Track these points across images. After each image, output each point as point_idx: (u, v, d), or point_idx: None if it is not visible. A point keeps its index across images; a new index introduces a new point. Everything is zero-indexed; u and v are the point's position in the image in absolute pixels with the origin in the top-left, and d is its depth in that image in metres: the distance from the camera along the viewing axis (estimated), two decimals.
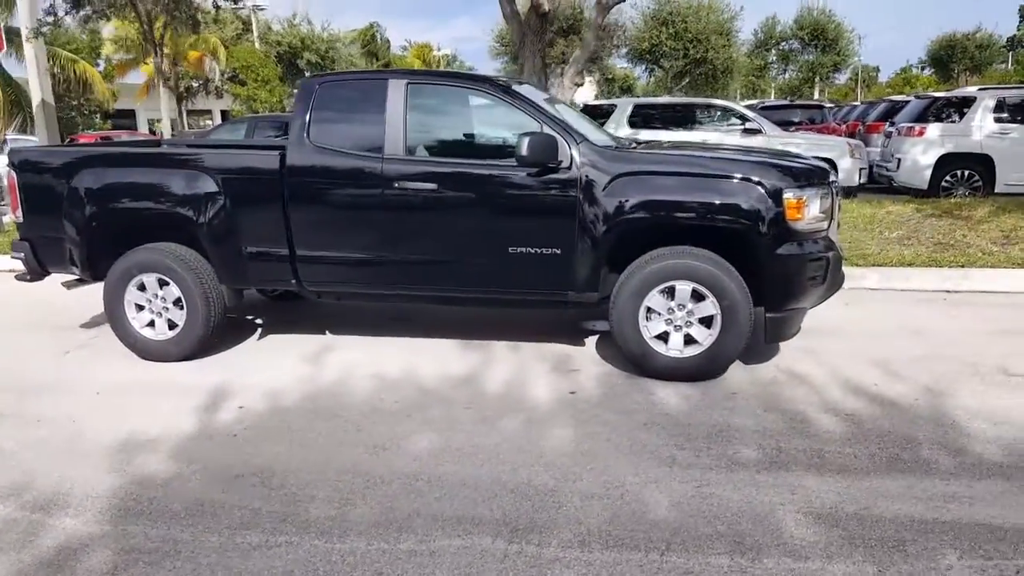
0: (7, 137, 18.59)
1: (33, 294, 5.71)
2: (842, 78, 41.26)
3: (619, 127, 11.79)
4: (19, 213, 4.90)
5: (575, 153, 4.16)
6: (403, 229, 4.41)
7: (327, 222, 4.51)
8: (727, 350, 4.10)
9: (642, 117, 11.91)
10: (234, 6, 22.84)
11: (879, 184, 12.38)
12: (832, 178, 4.26)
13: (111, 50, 27.91)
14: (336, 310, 5.86)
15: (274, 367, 4.62)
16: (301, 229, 4.52)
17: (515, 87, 4.56)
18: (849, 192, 10.83)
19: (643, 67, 29.04)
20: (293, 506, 2.99)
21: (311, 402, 4.07)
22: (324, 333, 5.31)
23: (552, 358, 4.64)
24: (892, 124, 12.34)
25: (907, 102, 13.37)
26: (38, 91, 15.75)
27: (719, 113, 12.00)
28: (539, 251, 4.26)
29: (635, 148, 4.65)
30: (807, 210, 4.02)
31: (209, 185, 4.55)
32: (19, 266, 5.11)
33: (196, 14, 16.24)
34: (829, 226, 4.22)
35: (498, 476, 3.17)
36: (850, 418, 3.68)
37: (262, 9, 36.18)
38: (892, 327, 5.13)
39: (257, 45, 33.56)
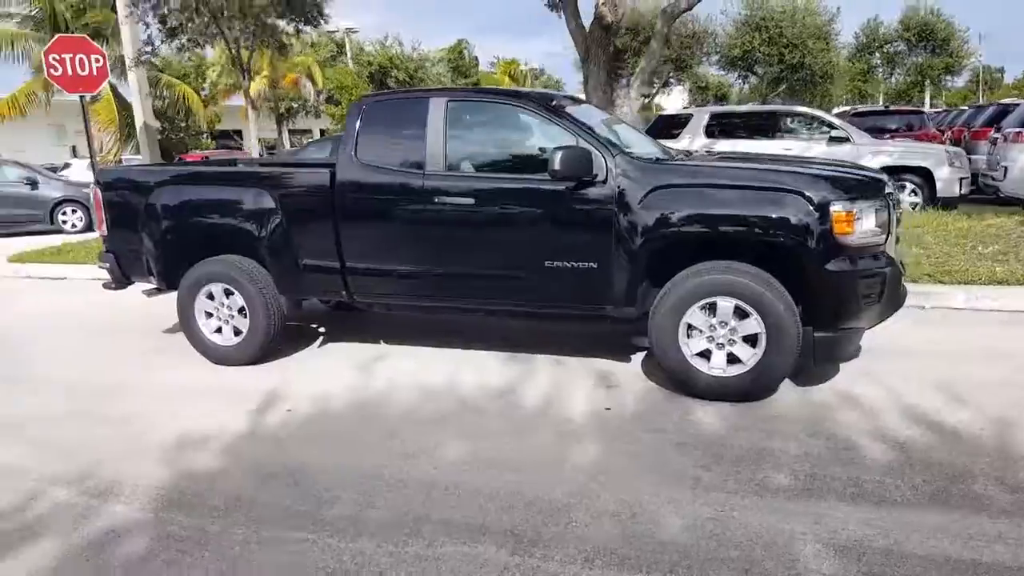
0: (122, 158, 20.16)
1: (119, 302, 6.17)
2: (959, 81, 38.85)
3: (695, 137, 11.57)
4: (104, 228, 5.30)
5: (611, 166, 4.12)
6: (444, 243, 4.50)
7: (373, 236, 4.66)
8: (773, 370, 3.95)
9: (720, 126, 11.63)
10: (326, 30, 23.83)
11: (985, 195, 11.57)
12: (889, 190, 4.04)
13: (215, 75, 29.65)
14: (392, 320, 6.01)
15: (326, 373, 4.80)
16: (350, 242, 4.68)
17: (558, 103, 4.58)
18: (949, 203, 10.19)
19: (736, 74, 28.41)
20: (316, 505, 3.11)
21: (354, 408, 4.21)
22: (379, 342, 5.47)
23: (594, 373, 4.59)
24: (998, 130, 11.51)
25: (1016, 105, 12.45)
26: (140, 114, 16.94)
27: (803, 121, 11.56)
28: (575, 265, 4.24)
29: (677, 160, 4.56)
30: (858, 224, 3.82)
31: (267, 201, 4.79)
32: (106, 276, 5.53)
33: (281, 38, 17.11)
34: (887, 241, 4.00)
35: (516, 488, 3.18)
36: (900, 446, 3.46)
37: (355, 32, 37.80)
38: (971, 350, 4.77)
39: (351, 66, 35.00)
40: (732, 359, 4.03)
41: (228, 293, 4.99)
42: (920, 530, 2.76)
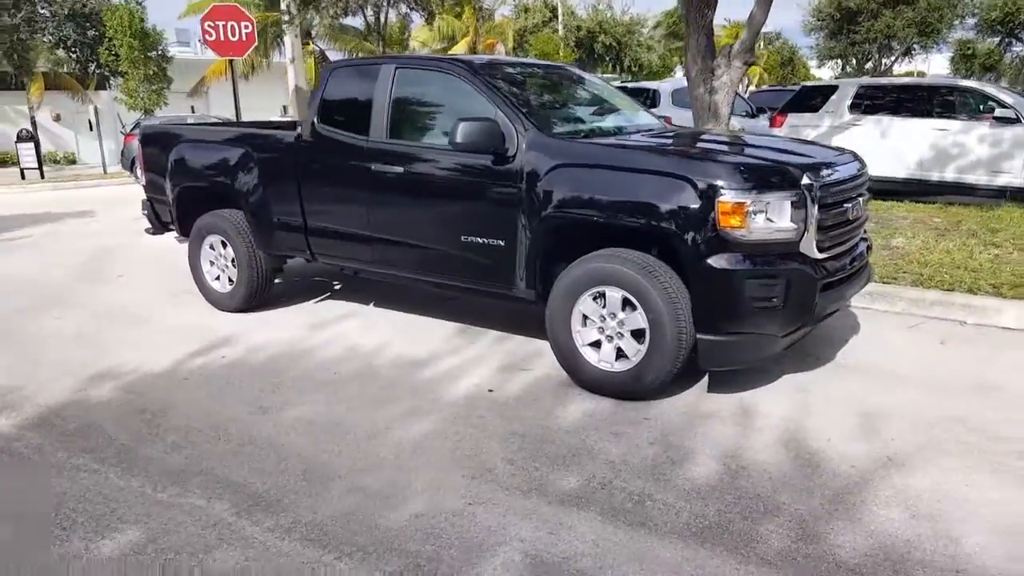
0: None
1: (157, 246, 6.97)
2: None
3: (838, 112, 10.45)
4: (144, 178, 6.04)
5: (520, 141, 3.95)
6: (380, 210, 4.59)
7: (327, 198, 4.87)
8: (653, 370, 3.62)
9: (869, 101, 10.34)
10: None
11: None
12: (808, 181, 3.47)
13: (426, 38, 31.26)
14: (392, 286, 6.22)
15: (287, 327, 5.14)
16: (310, 203, 4.93)
17: (495, 71, 4.43)
18: None
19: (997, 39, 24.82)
20: (139, 443, 3.43)
21: (270, 362, 4.50)
22: (369, 304, 5.71)
23: (523, 355, 4.47)
24: None
25: None
26: (292, 77, 18.16)
27: (967, 98, 9.93)
28: (486, 241, 4.15)
29: (590, 138, 4.22)
30: (753, 218, 3.36)
31: (249, 160, 5.17)
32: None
33: (430, 5, 17.53)
34: (802, 238, 3.47)
35: (311, 455, 3.27)
36: (735, 472, 3.06)
37: None
38: (965, 380, 3.97)
39: (561, 31, 35.19)
40: (622, 354, 3.75)
41: (224, 245, 5.49)
42: (639, 560, 2.47)
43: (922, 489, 2.88)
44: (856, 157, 4.16)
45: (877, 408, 3.62)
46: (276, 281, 5.86)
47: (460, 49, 31.83)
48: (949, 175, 9.48)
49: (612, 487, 2.95)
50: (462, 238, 4.24)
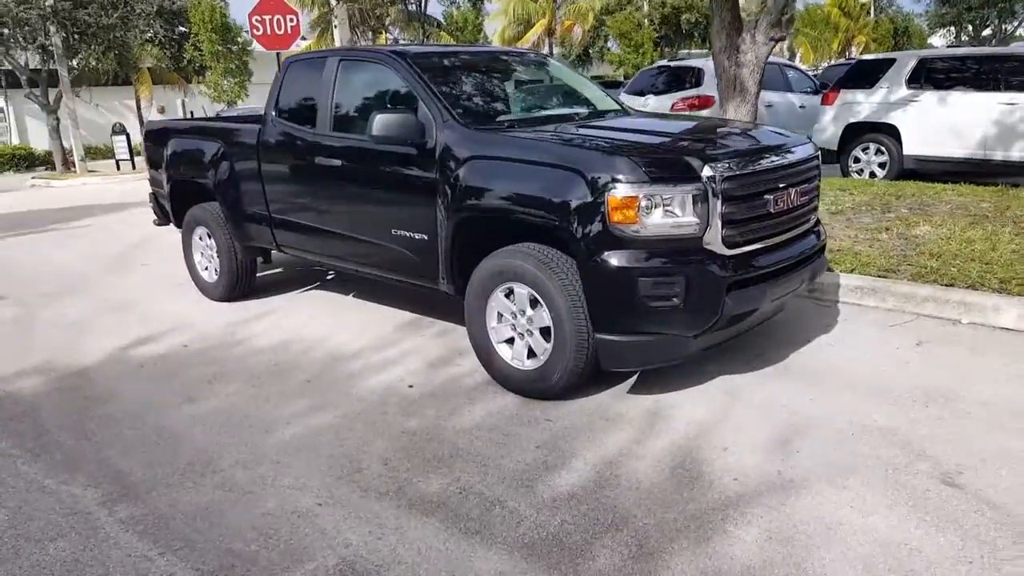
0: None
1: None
2: None
3: (894, 87, 9.68)
4: (149, 171, 6.33)
5: (441, 134, 3.86)
6: (326, 202, 4.62)
7: (284, 190, 4.94)
8: (558, 369, 3.48)
9: (930, 75, 9.54)
10: None
11: None
12: (711, 173, 3.20)
13: (500, 28, 31.23)
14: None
15: (257, 316, 5.28)
16: (271, 194, 5.02)
17: (426, 60, 4.33)
18: None
19: None
20: (60, 429, 3.60)
21: (223, 350, 4.63)
22: (349, 295, 5.78)
23: (459, 349, 4.39)
24: None
25: None
26: None
27: None
28: (412, 235, 4.10)
29: (513, 129, 4.02)
30: (647, 212, 3.15)
31: (221, 153, 5.31)
32: None
33: None
34: (705, 234, 3.23)
35: (206, 448, 3.34)
36: (605, 481, 2.90)
37: None
38: (931, 387, 3.60)
39: (645, 8, 34.30)
40: (534, 352, 3.64)
41: (209, 236, 5.68)
42: (452, 571, 2.38)
43: (797, 510, 2.64)
44: (803, 143, 3.83)
45: (802, 417, 3.34)
46: (278, 270, 6.04)
47: (536, 33, 31.66)
48: (1015, 154, 8.61)
49: (470, 492, 2.86)
50: (392, 231, 4.21)
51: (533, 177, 3.44)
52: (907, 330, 4.40)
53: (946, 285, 4.75)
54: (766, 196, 3.39)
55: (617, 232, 3.16)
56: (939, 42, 40.89)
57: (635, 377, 3.82)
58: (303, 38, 22.57)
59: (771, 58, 13.78)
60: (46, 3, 18.59)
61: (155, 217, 6.55)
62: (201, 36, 20.34)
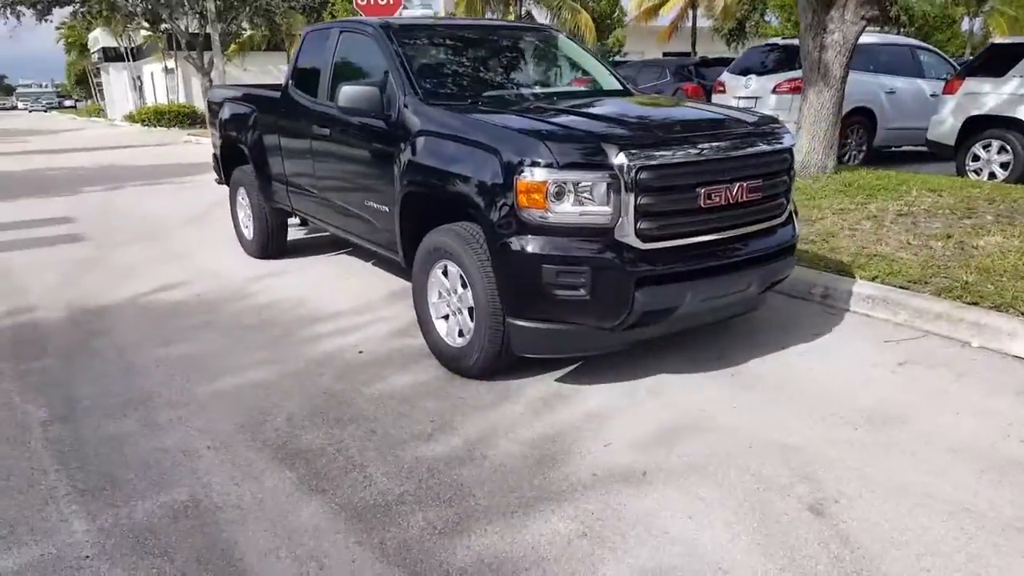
0: None
1: None
2: None
3: None
4: (211, 135, 6.86)
5: (402, 107, 3.94)
6: (322, 170, 4.84)
7: (295, 155, 5.20)
8: (476, 349, 3.50)
9: None
10: None
11: None
12: (623, 161, 3.05)
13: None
14: None
15: (275, 274, 5.65)
16: (287, 159, 5.31)
17: (407, 33, 4.39)
18: None
19: None
20: (42, 356, 4.08)
21: (223, 303, 5.00)
22: (369, 262, 6.01)
23: None
24: None
25: None
26: None
27: None
28: (378, 206, 4.23)
29: (473, 105, 4.00)
30: (555, 198, 3.08)
31: (252, 119, 5.67)
32: None
33: None
34: (617, 223, 3.11)
35: (136, 388, 3.67)
36: (459, 460, 2.92)
37: None
38: (884, 411, 3.29)
39: None
40: (463, 332, 3.68)
41: (247, 197, 6.10)
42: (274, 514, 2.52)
43: (631, 512, 2.54)
44: (769, 134, 3.55)
45: (711, 424, 3.17)
46: (307, 234, 6.43)
47: (678, 4, 30.42)
48: None
49: (342, 454, 2.97)
50: (364, 201, 4.36)
51: (461, 156, 3.44)
52: (902, 348, 4.01)
53: (969, 303, 4.26)
54: (697, 189, 3.20)
55: (525, 217, 3.12)
56: None
57: (576, 365, 3.76)
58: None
59: (902, 39, 12.66)
60: None
61: (216, 176, 7.09)
62: (337, 4, 21.36)
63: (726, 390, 3.50)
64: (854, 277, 4.79)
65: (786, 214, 3.67)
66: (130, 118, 33.90)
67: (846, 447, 2.96)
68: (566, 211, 3.09)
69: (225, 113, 6.24)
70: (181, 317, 4.71)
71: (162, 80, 33.74)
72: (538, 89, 4.60)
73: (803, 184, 7.63)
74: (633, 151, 3.08)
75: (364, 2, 12.00)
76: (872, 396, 3.42)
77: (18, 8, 24.25)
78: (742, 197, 3.33)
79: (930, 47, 12.21)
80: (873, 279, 4.73)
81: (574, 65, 4.98)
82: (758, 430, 3.11)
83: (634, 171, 3.06)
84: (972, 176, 8.91)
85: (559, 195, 3.07)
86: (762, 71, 11.16)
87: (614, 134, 3.22)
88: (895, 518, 2.49)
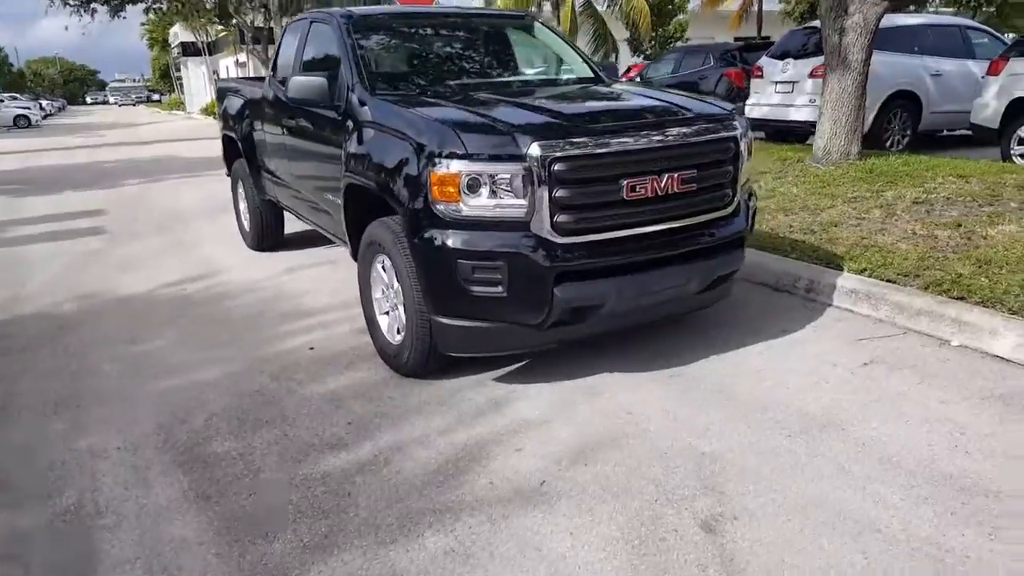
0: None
1: None
2: None
3: None
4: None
5: (350, 98, 3.87)
6: (289, 160, 4.84)
7: (273, 148, 5.21)
8: (407, 347, 3.43)
9: None
10: None
11: None
12: (538, 152, 2.90)
13: None
14: None
15: (266, 267, 5.71)
16: (269, 152, 5.33)
17: (364, 22, 4.32)
18: None
19: None
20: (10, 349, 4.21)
21: (203, 297, 5.08)
22: None
23: None
24: None
25: None
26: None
27: None
28: (333, 197, 4.17)
29: (421, 95, 3.88)
30: (468, 191, 2.96)
31: (242, 112, 5.72)
32: None
33: None
34: (532, 218, 2.97)
35: (81, 382, 3.74)
36: (314, 453, 2.85)
37: None
38: (825, 415, 3.07)
39: None
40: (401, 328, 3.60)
41: (244, 189, 6.17)
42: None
43: (511, 526, 2.42)
44: (709, 121, 3.33)
45: (633, 429, 3.01)
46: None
47: None
48: None
49: (244, 459, 2.92)
50: (323, 192, 4.33)
51: (387, 147, 3.36)
52: (874, 346, 3.74)
53: (956, 298, 3.94)
54: (619, 181, 3.02)
55: (439, 210, 3.02)
56: None
57: (520, 363, 3.64)
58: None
59: (952, 19, 11.90)
60: None
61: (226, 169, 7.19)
62: None
63: (665, 392, 3.33)
64: (842, 269, 4.50)
65: (733, 205, 3.44)
66: (204, 111, 35.26)
67: (769, 456, 2.76)
68: (481, 204, 2.97)
69: (223, 106, 6.32)
70: (157, 312, 4.79)
71: (235, 73, 34.81)
72: (500, 78, 4.46)
73: (822, 171, 7.25)
74: (547, 142, 2.93)
75: None
76: (819, 400, 3.19)
77: (92, 5, 25.43)
78: (673, 188, 3.13)
79: (984, 27, 11.41)
80: (861, 272, 4.43)
81: (546, 53, 4.81)
82: (681, 436, 2.93)
83: (548, 162, 2.91)
84: (1018, 161, 8.29)
85: (472, 188, 2.96)
86: (800, 54, 10.64)
87: (531, 124, 3.08)
88: (792, 539, 2.30)
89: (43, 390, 3.65)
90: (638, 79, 15.72)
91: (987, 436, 2.84)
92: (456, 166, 2.94)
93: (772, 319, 4.16)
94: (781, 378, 3.42)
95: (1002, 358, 3.50)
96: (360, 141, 3.61)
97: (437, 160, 2.98)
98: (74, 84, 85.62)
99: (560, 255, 3.00)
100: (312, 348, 4.05)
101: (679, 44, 25.22)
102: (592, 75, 4.59)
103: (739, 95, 12.18)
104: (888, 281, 4.27)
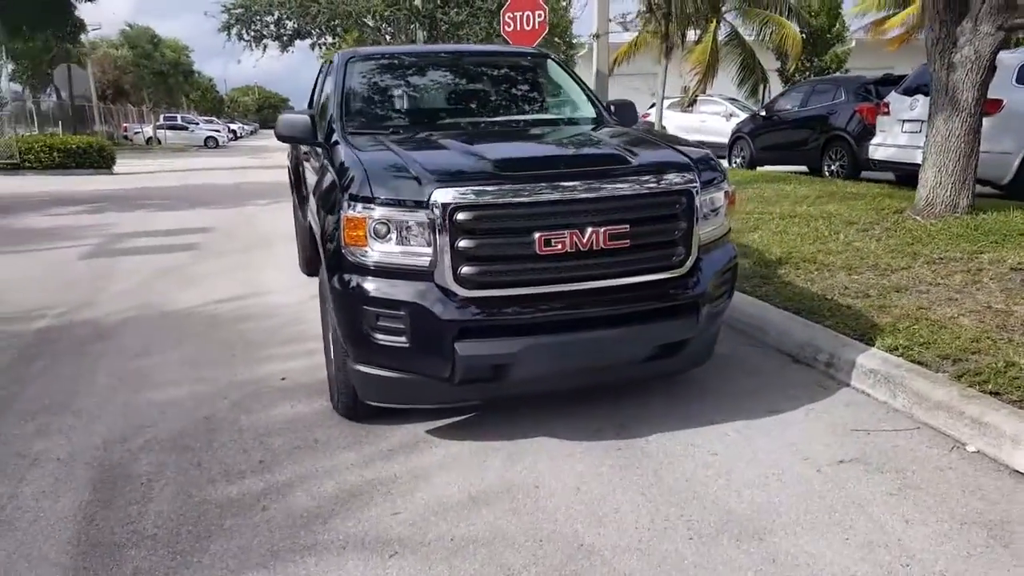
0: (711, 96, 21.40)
1: None
2: None
3: None
4: None
5: (333, 136, 3.89)
6: (310, 193, 4.95)
7: (305, 177, 5.36)
8: (337, 391, 3.37)
9: None
10: None
11: None
12: (445, 199, 2.73)
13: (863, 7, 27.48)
14: None
15: (292, 291, 5.90)
16: (305, 181, 5.50)
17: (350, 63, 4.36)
18: None
19: None
20: (33, 351, 4.58)
21: (230, 316, 5.30)
22: None
23: None
24: None
25: None
26: (594, 58, 15.63)
27: None
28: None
29: (393, 135, 3.80)
30: (375, 237, 2.86)
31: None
32: None
33: None
34: (436, 267, 2.81)
35: (74, 387, 3.98)
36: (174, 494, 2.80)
37: None
38: (746, 517, 2.66)
39: None
40: None
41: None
42: None
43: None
44: (662, 171, 3.00)
45: (536, 505, 2.74)
46: None
47: (909, 13, 27.11)
48: None
49: (154, 484, 2.97)
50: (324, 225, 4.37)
51: (325, 188, 3.34)
52: (867, 441, 3.20)
53: (990, 392, 3.30)
54: (532, 233, 2.79)
55: (349, 255, 2.94)
56: None
57: (467, 415, 3.47)
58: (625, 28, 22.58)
59: None
60: (413, 3, 21.84)
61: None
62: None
63: (592, 467, 3.02)
64: (872, 344, 3.91)
65: (687, 265, 3.07)
66: None
67: (651, 559, 2.41)
68: (388, 251, 2.87)
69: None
70: (182, 328, 5.06)
71: None
72: (475, 118, 4.31)
73: (919, 225, 6.44)
74: (450, 189, 2.77)
75: (510, 28, 12.18)
76: (755, 500, 2.75)
77: (263, 42, 28.03)
78: (599, 244, 2.84)
79: None
80: (891, 349, 3.83)
81: (555, 91, 4.62)
82: (573, 520, 2.63)
83: (450, 210, 2.75)
84: None
85: (380, 233, 2.86)
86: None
87: (441, 170, 2.91)
88: None
89: (42, 396, 3.91)
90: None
91: (936, 574, 2.30)
92: (362, 210, 2.86)
93: (769, 395, 3.69)
94: (731, 467, 2.99)
95: (1020, 473, 2.86)
96: (319, 180, 3.62)
97: (349, 203, 2.91)
98: (268, 111, 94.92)
99: (464, 308, 2.81)
100: (284, 379, 4.09)
101: (813, 77, 23.71)
102: (593, 116, 4.33)
103: (871, 134, 11.18)
104: (918, 363, 3.66)
